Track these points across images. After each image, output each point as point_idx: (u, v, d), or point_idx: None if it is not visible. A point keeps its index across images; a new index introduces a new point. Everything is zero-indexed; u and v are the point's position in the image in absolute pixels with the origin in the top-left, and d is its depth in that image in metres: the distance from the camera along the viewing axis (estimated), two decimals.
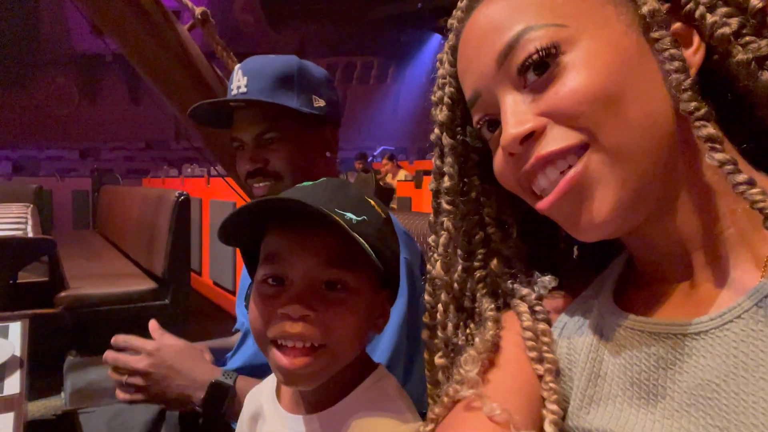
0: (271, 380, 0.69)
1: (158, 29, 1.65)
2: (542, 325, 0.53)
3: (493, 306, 0.57)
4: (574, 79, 0.44)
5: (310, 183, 0.65)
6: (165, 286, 2.69)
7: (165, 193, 2.87)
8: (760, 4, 0.44)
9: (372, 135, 15.79)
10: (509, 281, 0.58)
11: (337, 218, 0.54)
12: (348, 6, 15.95)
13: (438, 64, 0.58)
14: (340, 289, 0.57)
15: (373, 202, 0.63)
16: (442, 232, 0.58)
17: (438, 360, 0.58)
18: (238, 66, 0.99)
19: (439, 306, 0.58)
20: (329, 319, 0.56)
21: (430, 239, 0.60)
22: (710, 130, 0.42)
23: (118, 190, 4.80)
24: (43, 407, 2.09)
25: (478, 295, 0.59)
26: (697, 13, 0.45)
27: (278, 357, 0.56)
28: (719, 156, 0.42)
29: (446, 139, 0.57)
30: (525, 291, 0.56)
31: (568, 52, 0.44)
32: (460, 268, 0.59)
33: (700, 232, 0.46)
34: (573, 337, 0.52)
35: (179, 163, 12.58)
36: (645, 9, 0.45)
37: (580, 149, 0.45)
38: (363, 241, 0.55)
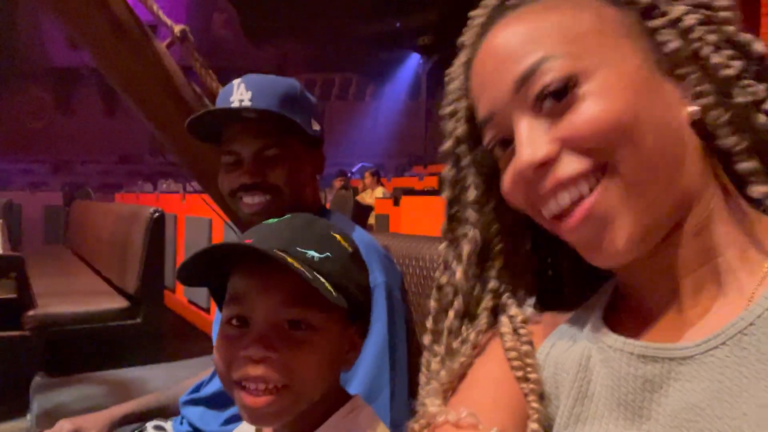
0: None
1: (136, 45, 1.64)
2: (525, 347, 0.54)
3: (484, 325, 0.57)
4: (591, 108, 0.45)
5: (276, 220, 0.65)
6: (137, 304, 2.63)
7: (139, 209, 2.83)
8: (764, 51, 0.46)
9: (350, 152, 15.82)
10: (507, 295, 0.58)
11: (294, 262, 0.55)
12: (327, 24, 16.07)
13: (447, 78, 0.59)
14: (304, 328, 0.58)
15: (339, 237, 0.64)
16: (466, 242, 0.58)
17: (434, 364, 0.58)
18: (239, 80, 0.99)
19: (451, 313, 0.58)
20: (292, 360, 0.56)
21: (442, 246, 0.60)
22: (752, 163, 0.45)
23: (90, 205, 4.71)
24: (10, 430, 2.02)
25: (481, 306, 0.59)
26: (703, 53, 0.46)
27: (242, 397, 0.57)
28: (763, 189, 0.44)
29: (466, 152, 0.58)
30: (514, 311, 0.57)
31: (584, 83, 0.45)
32: (472, 275, 0.59)
33: (693, 259, 0.48)
34: (561, 356, 0.53)
35: (154, 177, 12.42)
36: (671, 47, 0.46)
37: (596, 172, 0.46)
38: (324, 281, 0.56)
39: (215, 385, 1.03)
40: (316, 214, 0.72)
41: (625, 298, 0.54)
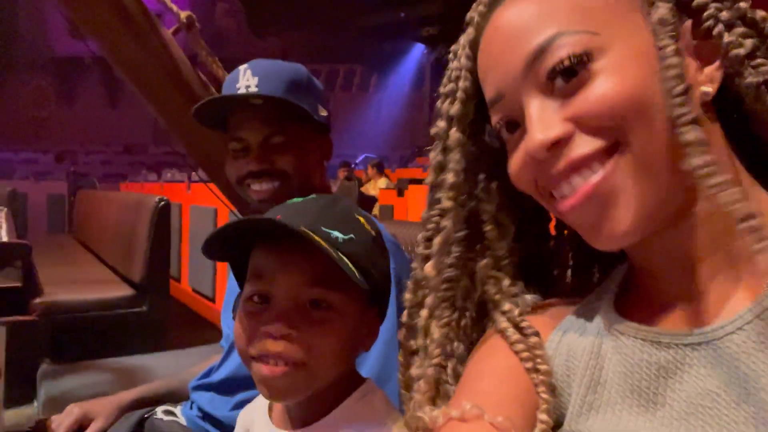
0: (264, 402, 0.69)
1: (142, 33, 1.63)
2: (533, 339, 0.53)
3: (446, 318, 0.56)
4: (604, 85, 0.44)
5: (301, 199, 0.65)
6: (143, 293, 2.64)
7: (144, 198, 2.83)
8: None
9: (354, 143, 15.80)
10: (494, 290, 0.57)
11: (321, 241, 0.54)
12: (331, 14, 15.99)
13: (451, 56, 0.57)
14: (324, 308, 0.58)
15: (362, 219, 0.63)
16: (439, 230, 0.56)
17: (414, 369, 0.56)
18: (245, 66, 0.98)
19: (424, 311, 0.56)
20: (311, 339, 0.56)
21: (420, 235, 0.58)
22: (695, 134, 0.42)
23: (95, 194, 4.72)
24: (16, 416, 2.04)
25: (459, 297, 0.57)
26: (715, 31, 0.45)
27: (261, 368, 0.57)
28: (696, 161, 0.41)
29: (455, 134, 0.55)
30: (507, 306, 0.55)
31: (598, 60, 0.44)
32: (450, 265, 0.57)
33: (706, 244, 0.47)
34: (573, 344, 0.52)
35: (158, 167, 12.43)
36: (655, 16, 0.45)
37: (609, 151, 0.45)
38: (348, 262, 0.55)
39: (225, 371, 1.03)
40: None
41: (638, 284, 0.53)
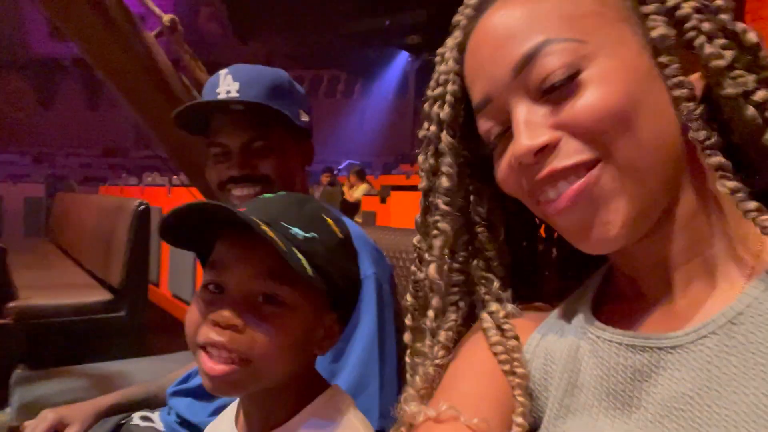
0: (234, 405, 0.69)
1: (124, 35, 1.62)
2: (512, 342, 0.54)
3: (452, 321, 0.57)
4: (591, 96, 0.44)
5: (271, 195, 0.65)
6: (121, 297, 2.60)
7: (124, 201, 2.79)
8: (756, 40, 0.45)
9: (338, 149, 15.81)
10: (484, 290, 0.58)
11: (269, 231, 0.54)
12: (316, 20, 16.00)
13: (438, 59, 0.57)
14: (276, 304, 0.57)
15: (330, 221, 0.63)
16: (437, 233, 0.56)
17: (427, 368, 0.56)
18: (225, 71, 0.97)
19: (430, 313, 0.56)
20: (257, 333, 0.56)
21: (416, 240, 0.59)
22: (720, 158, 0.44)
23: (74, 197, 4.65)
24: None
25: (450, 299, 0.58)
26: (697, 42, 0.46)
27: (203, 361, 0.56)
28: (730, 184, 0.43)
29: (446, 138, 0.55)
30: (494, 307, 0.56)
31: (585, 69, 0.45)
32: (446, 268, 0.57)
33: (684, 251, 0.48)
34: (551, 347, 0.53)
35: (139, 171, 12.28)
36: (655, 33, 0.45)
37: (595, 161, 0.46)
38: (301, 259, 0.55)
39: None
40: None
41: (615, 288, 0.54)
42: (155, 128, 1.79)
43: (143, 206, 2.60)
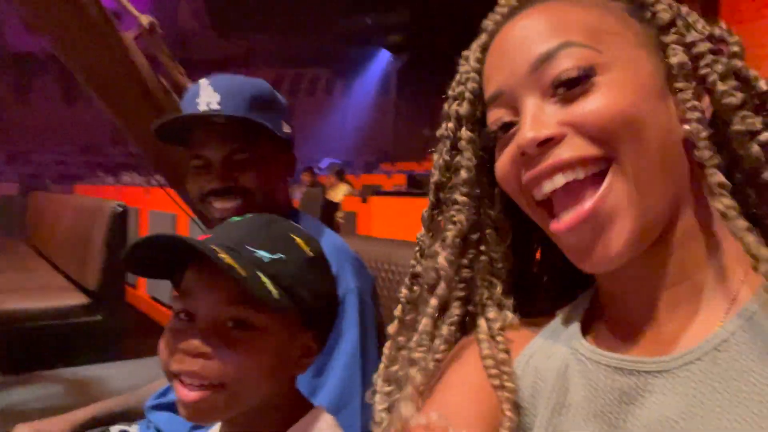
0: (217, 426, 0.69)
1: (100, 34, 1.59)
2: (502, 355, 0.54)
3: (456, 317, 0.57)
4: (602, 98, 0.46)
5: (239, 218, 0.66)
6: (98, 301, 2.56)
7: (102, 203, 2.75)
8: (766, 88, 0.49)
9: (318, 148, 15.73)
10: (486, 293, 0.58)
11: (228, 258, 0.55)
12: (297, 18, 15.91)
13: (462, 60, 0.59)
14: (246, 328, 0.58)
15: (300, 240, 0.64)
16: (450, 226, 0.57)
17: (411, 362, 0.56)
18: (206, 81, 0.96)
19: (433, 301, 0.56)
20: (229, 359, 0.56)
21: (419, 235, 0.60)
22: (720, 178, 0.46)
23: (49, 197, 4.55)
24: None
25: (454, 296, 0.58)
26: (710, 79, 0.48)
27: (177, 389, 0.57)
28: (727, 201, 0.45)
29: (465, 133, 0.57)
30: (492, 314, 0.57)
31: (599, 75, 0.47)
32: (466, 266, 0.58)
33: (673, 274, 0.49)
34: (540, 366, 0.54)
35: (115, 169, 12.10)
36: (674, 60, 0.48)
37: (597, 162, 0.47)
38: (264, 281, 0.56)
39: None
40: (287, 216, 0.71)
41: (604, 309, 0.55)
42: (132, 130, 1.76)
43: (121, 209, 2.57)
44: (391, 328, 0.59)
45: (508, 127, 0.52)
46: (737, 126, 0.48)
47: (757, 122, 0.48)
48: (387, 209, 3.95)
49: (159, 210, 4.17)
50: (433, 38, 14.37)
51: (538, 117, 0.48)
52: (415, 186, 7.00)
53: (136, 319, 3.97)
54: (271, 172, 0.99)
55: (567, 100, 0.48)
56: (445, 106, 0.59)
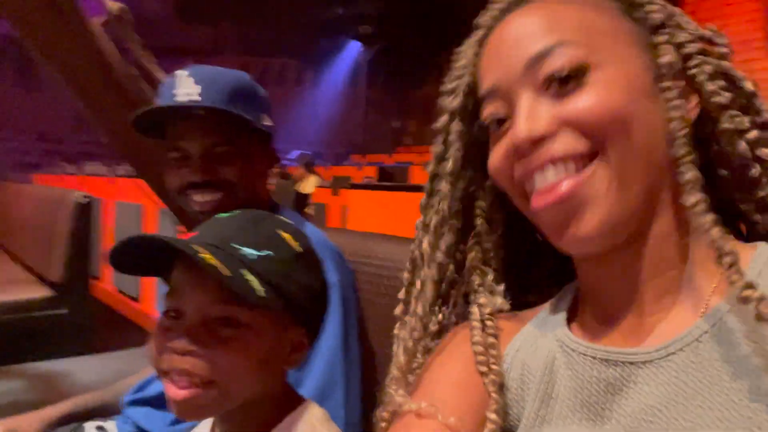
0: (208, 421, 0.68)
1: (67, 20, 1.54)
2: (490, 339, 0.56)
3: (451, 305, 0.60)
4: (594, 96, 0.48)
5: (227, 215, 0.65)
6: (63, 294, 2.49)
7: (65, 193, 2.67)
8: (753, 89, 0.51)
9: (288, 139, 15.56)
10: (478, 281, 0.60)
11: (211, 257, 0.55)
12: (266, 6, 15.67)
13: (456, 56, 0.60)
14: (234, 325, 0.58)
15: (288, 236, 0.64)
16: (433, 213, 0.60)
17: (412, 336, 0.59)
18: (185, 72, 0.94)
19: (417, 282, 0.60)
20: (218, 357, 0.57)
21: (417, 221, 0.62)
22: (692, 174, 0.48)
23: (9, 187, 4.39)
24: None
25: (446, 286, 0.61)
26: (698, 79, 0.50)
27: (167, 387, 0.57)
28: (694, 197, 0.47)
29: (457, 125, 0.59)
30: (483, 299, 0.59)
31: (592, 73, 0.49)
32: (444, 247, 0.60)
33: (655, 267, 0.51)
34: (528, 358, 0.55)
35: (77, 158, 11.76)
36: (664, 59, 0.50)
37: (587, 157, 0.49)
38: (249, 279, 0.56)
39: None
40: (268, 210, 0.71)
41: (588, 301, 0.57)
42: (98, 117, 1.71)
43: (87, 199, 2.50)
44: (397, 310, 0.61)
45: (502, 122, 0.53)
46: (726, 124, 0.50)
47: (745, 120, 0.50)
48: (365, 203, 3.92)
49: (125, 201, 4.07)
50: (405, 29, 14.38)
51: (532, 113, 0.50)
52: (386, 178, 7.01)
53: (102, 312, 3.88)
54: (252, 166, 0.97)
55: (560, 96, 0.49)
56: (440, 100, 0.61)
